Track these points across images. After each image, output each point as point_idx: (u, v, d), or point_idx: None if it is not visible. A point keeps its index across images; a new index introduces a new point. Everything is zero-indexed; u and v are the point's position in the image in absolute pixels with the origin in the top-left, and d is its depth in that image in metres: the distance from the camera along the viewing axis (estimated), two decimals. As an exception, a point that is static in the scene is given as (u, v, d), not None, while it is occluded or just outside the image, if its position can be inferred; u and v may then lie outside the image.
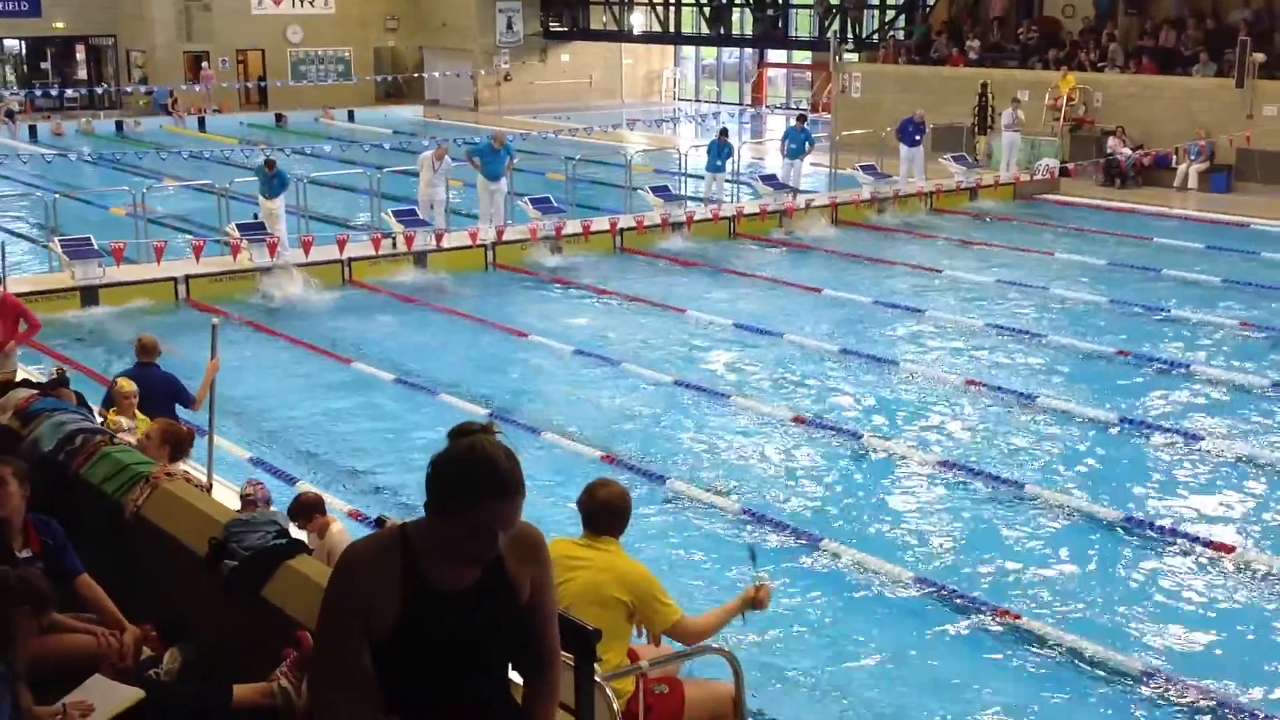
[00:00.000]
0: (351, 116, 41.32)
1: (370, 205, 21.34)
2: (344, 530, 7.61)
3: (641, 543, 9.30)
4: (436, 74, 44.02)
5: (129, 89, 41.71)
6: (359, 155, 28.79)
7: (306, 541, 5.64)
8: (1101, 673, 7.79)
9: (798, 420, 12.47)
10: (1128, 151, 25.74)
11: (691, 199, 23.54)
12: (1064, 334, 15.48)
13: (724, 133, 24.00)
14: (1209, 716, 7.32)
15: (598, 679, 4.66)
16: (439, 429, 12.66)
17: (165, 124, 38.62)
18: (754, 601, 5.58)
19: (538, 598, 3.28)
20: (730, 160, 23.76)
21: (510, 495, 3.06)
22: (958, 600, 8.67)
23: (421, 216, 19.90)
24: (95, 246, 17.44)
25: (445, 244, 19.42)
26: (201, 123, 39.21)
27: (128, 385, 9.20)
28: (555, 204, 21.06)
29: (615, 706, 4.99)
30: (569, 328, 16.15)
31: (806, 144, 24.74)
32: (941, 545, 9.74)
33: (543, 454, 11.56)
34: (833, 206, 23.31)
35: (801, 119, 25.94)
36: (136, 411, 9.10)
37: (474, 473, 3.03)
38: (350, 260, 18.70)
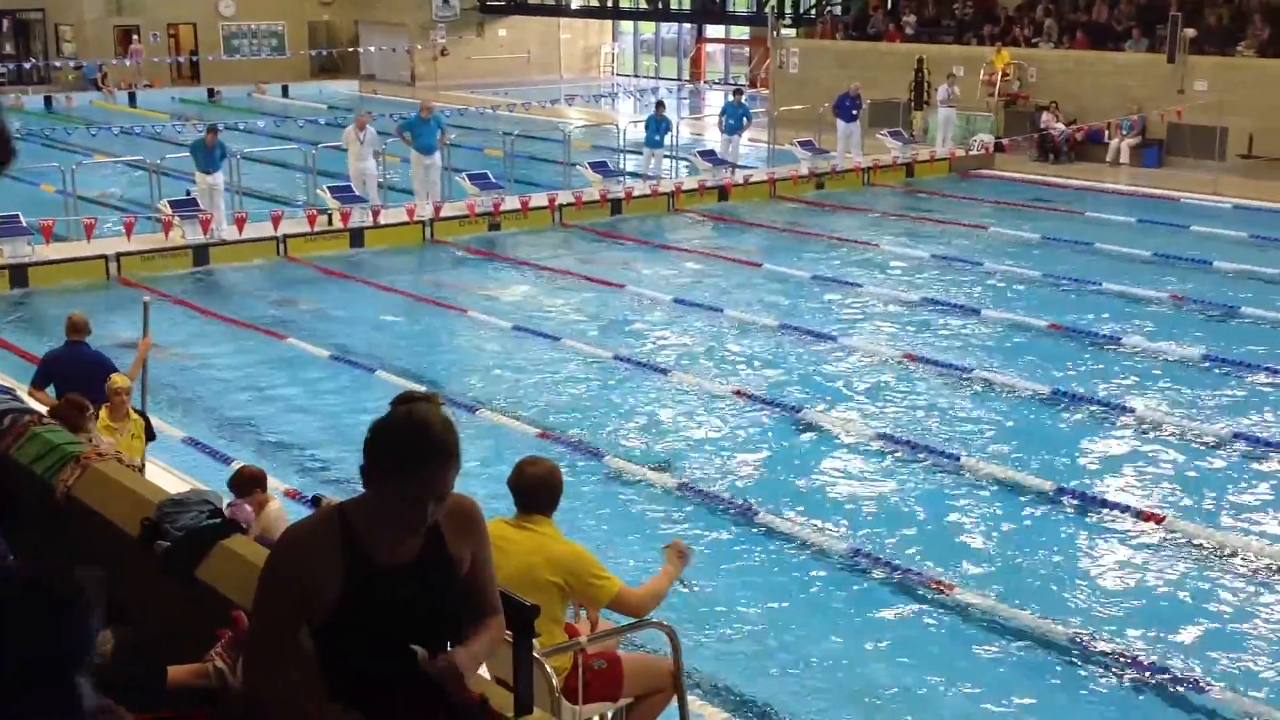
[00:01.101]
0: (286, 92, 40.81)
1: (306, 182, 21.11)
2: (281, 509, 7.55)
3: (579, 519, 9.32)
4: (372, 48, 43.56)
5: (58, 64, 40.92)
6: (294, 131, 28.46)
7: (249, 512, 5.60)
8: (1031, 640, 7.92)
9: (737, 394, 12.54)
10: (1061, 126, 26.02)
11: (630, 175, 23.52)
12: (998, 308, 15.66)
13: (660, 106, 23.97)
14: (1137, 680, 7.46)
15: (536, 655, 4.67)
16: (376, 406, 12.57)
17: (95, 99, 37.95)
18: (681, 557, 5.62)
19: (476, 569, 3.29)
20: (668, 135, 23.73)
21: (443, 461, 3.04)
22: (893, 571, 8.77)
23: (357, 192, 19.71)
24: (24, 224, 17.13)
25: (382, 220, 19.27)
26: (132, 98, 38.56)
27: (122, 381, 8.77)
28: (493, 180, 20.95)
29: (554, 682, 5.01)
30: (508, 304, 16.11)
31: (744, 119, 24.77)
32: (877, 517, 9.84)
33: (480, 431, 11.53)
34: (771, 182, 23.39)
35: (738, 93, 25.96)
36: (131, 411, 8.75)
37: (408, 439, 3.03)
38: (286, 237, 18.51)
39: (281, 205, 20.44)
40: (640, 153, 24.35)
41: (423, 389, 3.26)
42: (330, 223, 19.02)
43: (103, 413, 8.51)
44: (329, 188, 19.60)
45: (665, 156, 24.28)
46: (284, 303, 16.27)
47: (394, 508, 3.06)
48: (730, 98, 25.59)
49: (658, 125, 23.28)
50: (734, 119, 24.59)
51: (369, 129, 20.32)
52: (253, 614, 3.39)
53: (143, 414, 9.03)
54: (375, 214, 19.24)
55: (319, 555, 3.10)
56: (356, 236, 19.01)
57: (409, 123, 20.67)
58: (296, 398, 12.58)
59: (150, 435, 8.98)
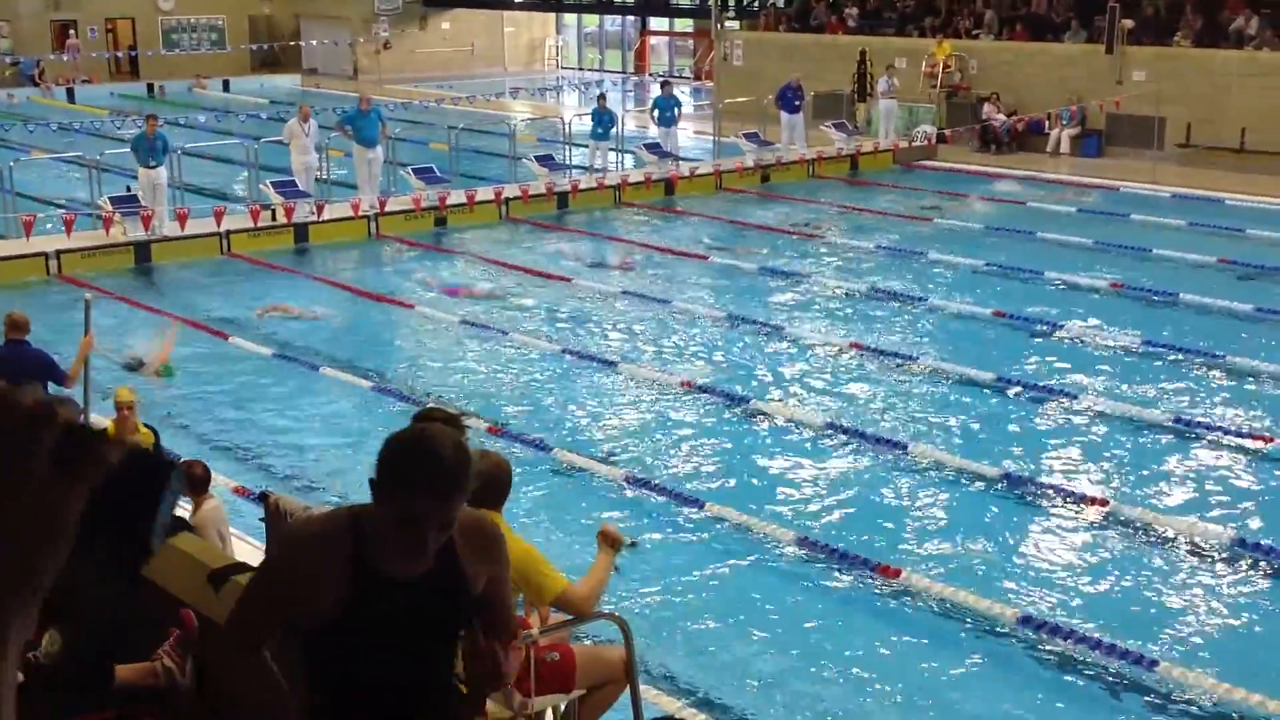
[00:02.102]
0: (226, 86, 40.38)
1: (248, 177, 20.92)
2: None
3: (527, 513, 9.33)
4: (314, 42, 43.20)
5: (-7, 59, 40.28)
6: (235, 126, 28.19)
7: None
8: (979, 623, 8.01)
9: (685, 385, 12.57)
10: (1002, 117, 26.27)
11: (576, 168, 23.49)
12: (943, 297, 15.80)
13: (602, 98, 23.96)
14: (1083, 659, 7.58)
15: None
16: (321, 404, 12.55)
17: (33, 95, 37.37)
18: (613, 543, 5.64)
19: (492, 591, 3.19)
20: (613, 127, 23.71)
21: (443, 497, 2.90)
22: (841, 559, 8.84)
23: (302, 187, 19.54)
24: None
25: (326, 215, 19.14)
26: (70, 94, 38.01)
27: (127, 395, 8.51)
28: (439, 174, 20.86)
29: (506, 675, 5.01)
30: (456, 299, 16.04)
31: (676, 110, 24.73)
32: (825, 506, 9.91)
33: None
34: (717, 174, 23.44)
35: (666, 85, 25.97)
36: (140, 425, 8.55)
37: (412, 464, 2.91)
38: (229, 233, 18.34)
39: (224, 201, 20.24)
40: (586, 146, 24.32)
41: (451, 409, 3.14)
42: (274, 218, 18.86)
43: (109, 426, 8.32)
44: (272, 183, 19.43)
45: (611, 150, 24.24)
46: (224, 300, 16.12)
47: (393, 529, 2.95)
48: (660, 90, 25.62)
49: (600, 118, 23.28)
50: (667, 111, 24.58)
51: (312, 121, 20.17)
52: (241, 594, 3.34)
53: (151, 428, 8.73)
54: (319, 209, 19.09)
55: (325, 557, 3.02)
56: (300, 232, 18.87)
57: (349, 116, 20.52)
58: (239, 396, 12.47)
59: (158, 447, 8.65)
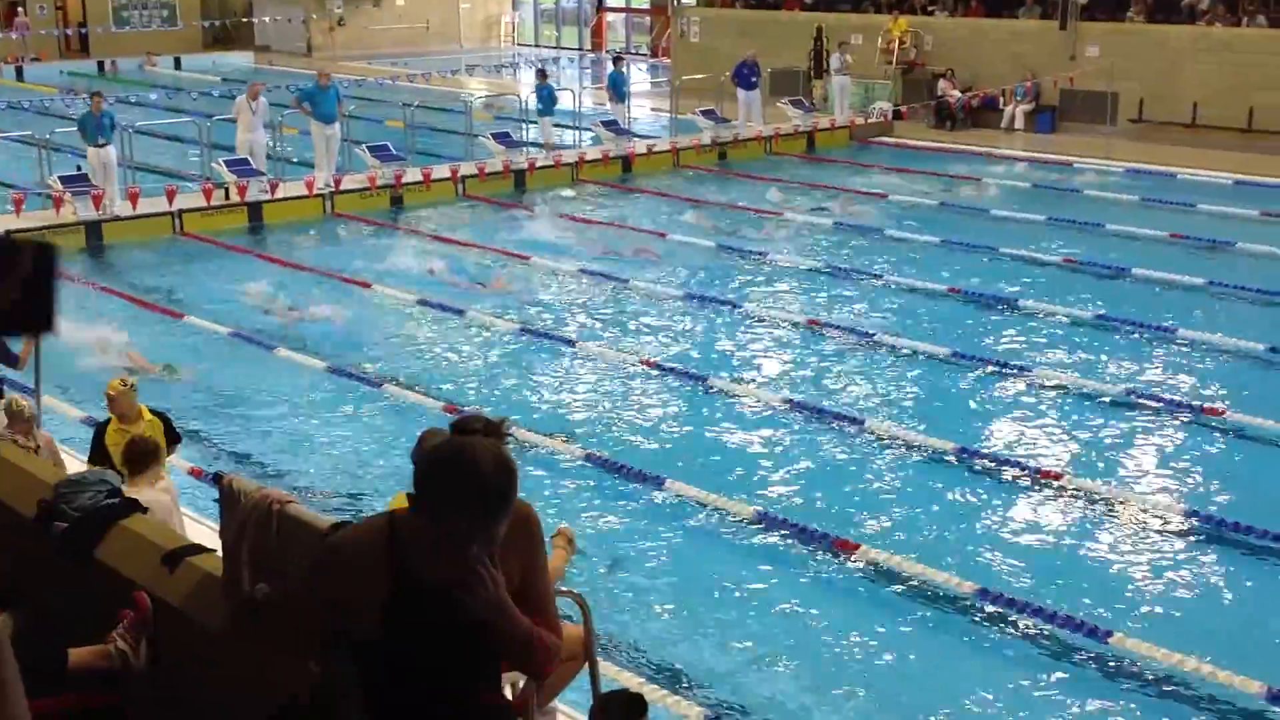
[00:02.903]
0: (178, 64, 39.89)
1: (200, 155, 20.68)
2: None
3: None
4: (267, 19, 42.73)
5: (-62, 37, 39.62)
6: (187, 104, 27.87)
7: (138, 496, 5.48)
8: (936, 596, 8.08)
9: (644, 364, 12.58)
10: (957, 94, 26.37)
11: (533, 145, 23.38)
12: (900, 273, 15.87)
13: (542, 74, 23.89)
14: (1040, 631, 7.66)
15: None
16: (275, 384, 12.44)
17: (-21, 73, 36.82)
18: (569, 544, 5.65)
19: (528, 579, 3.06)
20: (555, 103, 23.55)
21: (485, 517, 2.79)
22: (800, 533, 8.88)
23: (255, 166, 19.35)
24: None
25: (281, 194, 18.96)
26: (19, 72, 37.42)
27: (119, 384, 8.16)
28: (394, 151, 20.70)
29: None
30: (413, 277, 15.94)
31: (625, 86, 24.65)
32: (784, 481, 9.95)
33: (385, 407, 11.46)
34: (674, 151, 23.41)
35: (618, 61, 25.87)
36: (145, 411, 8.15)
37: (452, 483, 2.78)
38: (181, 212, 18.14)
39: (176, 180, 20.01)
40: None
41: (492, 416, 2.97)
42: (227, 196, 18.67)
43: (113, 421, 8.14)
44: (225, 161, 19.22)
45: (566, 126, 24.16)
46: (178, 280, 15.96)
47: (430, 545, 2.85)
48: (612, 66, 25.52)
49: (540, 91, 23.20)
50: (621, 86, 24.49)
51: (261, 99, 19.98)
52: (287, 598, 3.31)
53: (161, 415, 8.43)
54: (273, 187, 18.92)
55: (360, 575, 2.93)
56: (254, 210, 18.69)
57: (307, 92, 20.32)
58: (195, 375, 12.35)
59: (174, 436, 8.33)
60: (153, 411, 8.38)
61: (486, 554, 2.82)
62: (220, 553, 4.40)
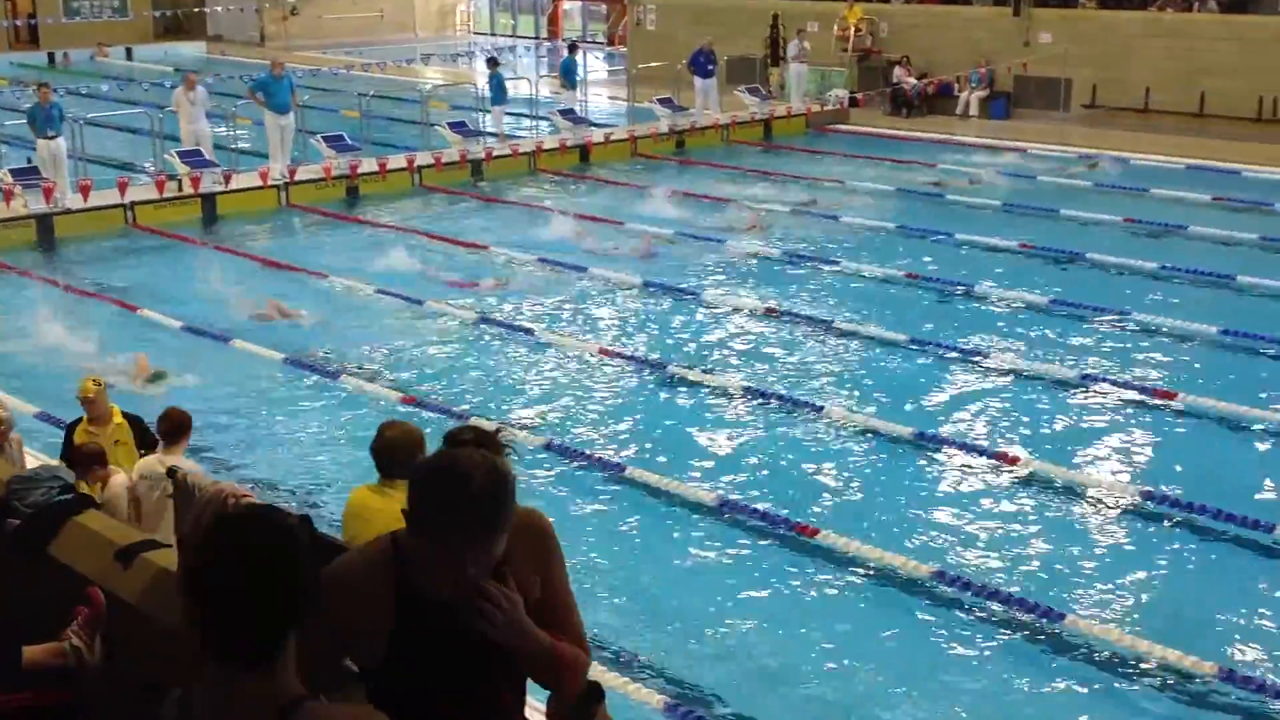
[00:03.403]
0: (130, 55, 39.42)
1: (153, 146, 20.47)
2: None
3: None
4: (219, 8, 42.28)
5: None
6: (139, 95, 27.55)
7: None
8: (895, 579, 8.14)
9: (603, 352, 12.57)
10: (913, 81, 26.49)
11: (490, 135, 23.30)
12: (857, 260, 15.93)
13: (492, 63, 23.82)
14: (997, 613, 7.73)
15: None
16: (231, 376, 12.31)
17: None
18: None
19: (548, 593, 2.94)
20: (505, 92, 23.45)
21: (476, 533, 2.66)
22: (761, 520, 8.91)
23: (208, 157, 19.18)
24: None
25: (235, 185, 18.80)
26: (-34, 63, 36.89)
27: (91, 385, 8.01)
28: (349, 142, 20.57)
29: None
30: (369, 268, 15.86)
31: (576, 73, 24.57)
32: (745, 468, 9.99)
33: (342, 399, 11.40)
34: (632, 140, 23.39)
35: (573, 49, 25.79)
36: (117, 413, 8.06)
37: (440, 498, 2.68)
38: (133, 204, 17.95)
39: (128, 172, 19.81)
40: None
41: (488, 425, 2.89)
42: (180, 188, 18.50)
43: (84, 420, 8.04)
44: (178, 152, 19.03)
45: (523, 115, 24.08)
46: (131, 272, 15.80)
47: (425, 561, 2.74)
48: (566, 54, 25.47)
49: (491, 82, 23.11)
50: (573, 73, 24.41)
51: (199, 89, 19.86)
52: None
53: (135, 419, 8.27)
54: (227, 178, 18.75)
55: (368, 592, 2.83)
56: (208, 202, 18.51)
57: (260, 82, 20.16)
58: (150, 369, 12.23)
59: (146, 442, 8.10)
60: (126, 415, 8.30)
61: (488, 570, 2.71)
62: (175, 548, 4.38)
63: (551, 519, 3.02)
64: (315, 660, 2.91)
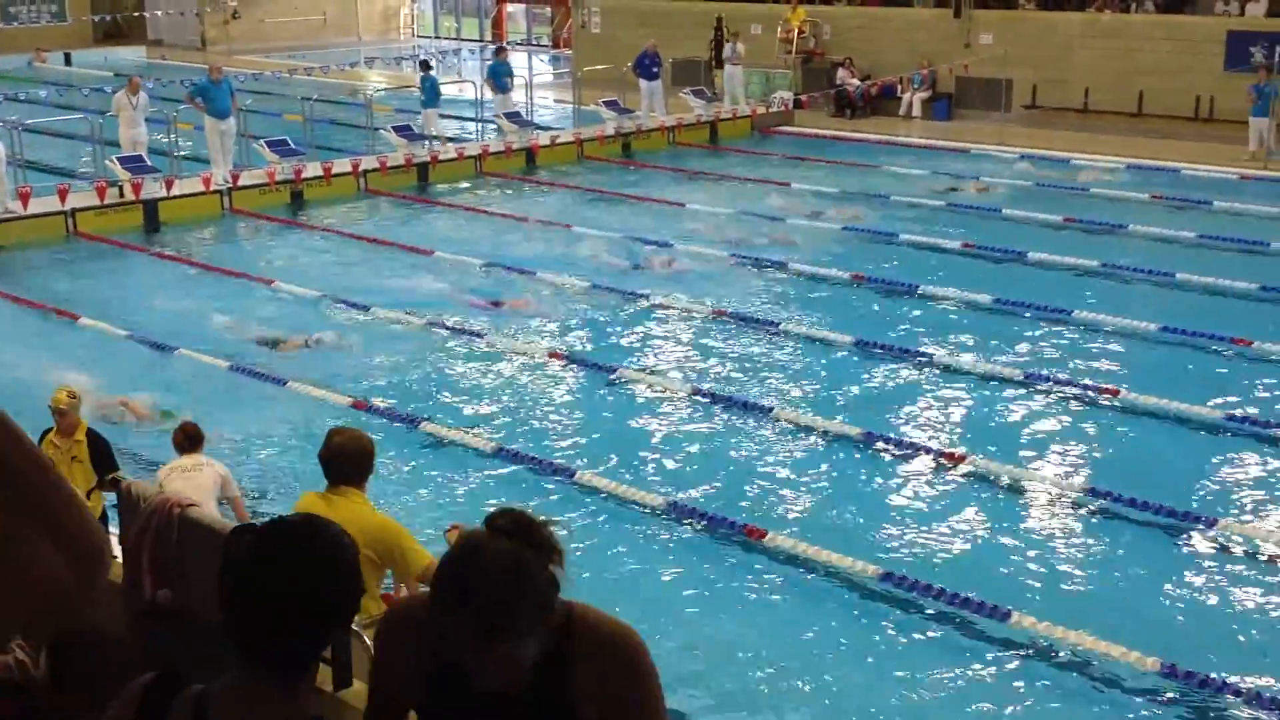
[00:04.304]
0: (68, 59, 38.88)
1: (93, 153, 20.23)
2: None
3: (396, 488, 9.26)
4: (159, 12, 41.85)
5: None
6: (78, 100, 27.23)
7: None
8: (842, 580, 8.20)
9: (552, 356, 12.57)
10: (856, 82, 26.68)
11: (428, 138, 23.19)
12: (803, 262, 16.02)
13: (425, 65, 23.75)
14: (943, 612, 7.80)
15: (354, 627, 4.63)
16: (176, 387, 12.11)
17: None
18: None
19: (616, 716, 2.64)
20: (439, 95, 23.35)
21: (485, 633, 2.40)
22: (709, 522, 8.95)
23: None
24: None
25: (177, 190, 18.60)
26: (-102, 68, 36.27)
27: (64, 397, 7.88)
28: (294, 146, 20.42)
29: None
30: (315, 274, 15.76)
31: (506, 76, 24.47)
32: (693, 470, 10.02)
33: (291, 405, 11.32)
34: (578, 143, 23.39)
35: (501, 52, 25.68)
36: (83, 428, 7.94)
37: (451, 589, 2.43)
38: (74, 211, 17.73)
39: (69, 178, 19.57)
40: (445, 117, 24.07)
41: (527, 514, 2.52)
42: (121, 195, 18.29)
43: (53, 431, 7.93)
44: (118, 158, 18.81)
45: (467, 119, 23.96)
46: (72, 280, 15.61)
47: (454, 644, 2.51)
48: (495, 57, 25.43)
49: (423, 84, 23.04)
50: (503, 76, 24.31)
51: (142, 94, 19.63)
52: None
53: (99, 440, 8.05)
54: (169, 184, 18.57)
55: (407, 642, 2.69)
56: (150, 209, 18.31)
57: (199, 87, 19.99)
58: (93, 379, 12.08)
59: (104, 464, 7.95)
60: (91, 433, 8.17)
61: (514, 672, 2.47)
62: (120, 559, 4.33)
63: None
64: (372, 692, 2.90)
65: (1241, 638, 7.64)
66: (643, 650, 2.70)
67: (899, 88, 26.59)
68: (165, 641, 4.13)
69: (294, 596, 2.32)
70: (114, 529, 6.47)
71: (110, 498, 7.34)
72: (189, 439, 8.05)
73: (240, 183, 19.29)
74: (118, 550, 4.32)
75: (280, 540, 2.40)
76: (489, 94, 24.48)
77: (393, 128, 22.16)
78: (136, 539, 4.30)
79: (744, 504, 9.36)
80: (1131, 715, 6.89)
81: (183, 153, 20.83)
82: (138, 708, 2.50)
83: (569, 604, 2.62)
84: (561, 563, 2.51)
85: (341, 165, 20.46)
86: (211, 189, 18.94)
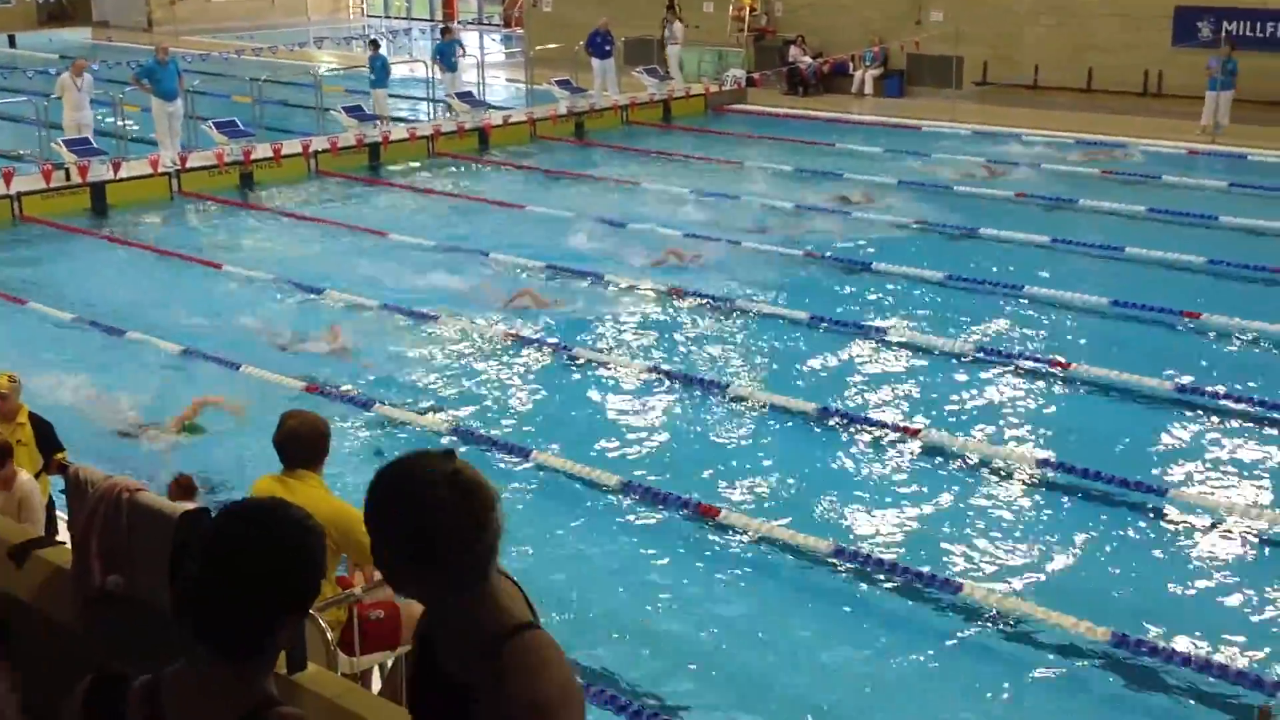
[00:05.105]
0: (12, 42, 38.27)
1: (38, 136, 19.93)
2: (31, 480, 7.17)
3: (351, 471, 9.19)
4: (104, -8, 41.28)
5: None
6: (23, 83, 26.83)
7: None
8: (796, 556, 8.24)
9: (507, 336, 12.53)
10: (809, 60, 26.70)
11: (376, 118, 22.97)
12: (755, 239, 16.03)
13: (374, 45, 23.58)
14: (898, 585, 7.86)
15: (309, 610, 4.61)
16: (127, 370, 11.99)
17: None
18: None
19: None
20: (388, 74, 23.15)
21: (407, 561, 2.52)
22: (663, 501, 8.96)
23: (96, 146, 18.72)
24: None
25: (124, 173, 18.37)
26: None
27: (4, 381, 7.70)
28: (243, 127, 20.20)
29: (329, 636, 4.96)
30: (266, 256, 15.62)
31: (453, 56, 24.29)
32: (649, 448, 10.03)
33: (245, 388, 11.22)
34: (531, 122, 23.28)
35: (446, 32, 25.45)
36: (25, 414, 7.73)
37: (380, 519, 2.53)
38: (20, 195, 17.46)
39: (13, 162, 19.27)
40: (396, 96, 23.88)
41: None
42: (68, 178, 18.03)
43: None
44: (64, 141, 18.54)
45: (419, 99, 23.79)
46: (19, 265, 15.38)
47: None
48: (442, 36, 25.23)
49: (372, 64, 22.85)
50: (450, 56, 24.15)
51: (86, 75, 19.36)
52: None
53: (42, 422, 7.89)
54: (116, 167, 18.33)
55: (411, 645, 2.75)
56: (97, 191, 18.06)
57: (147, 68, 19.74)
58: (39, 362, 11.93)
59: (48, 446, 7.77)
60: (33, 416, 8.06)
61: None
62: (70, 545, 4.29)
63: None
64: None
65: (1191, 606, 7.74)
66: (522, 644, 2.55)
67: (851, 65, 26.63)
68: (115, 627, 4.10)
69: (259, 581, 2.30)
70: (62, 514, 6.42)
71: (58, 482, 7.24)
72: (184, 491, 7.41)
73: (189, 164, 19.06)
74: (66, 536, 4.28)
75: (247, 524, 2.37)
76: (439, 74, 24.31)
77: (343, 108, 21.98)
78: (85, 525, 4.25)
79: (698, 481, 9.36)
80: (1083, 684, 6.97)
81: (130, 135, 20.57)
82: (83, 714, 2.47)
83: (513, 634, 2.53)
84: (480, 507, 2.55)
85: (292, 146, 20.26)
86: (159, 171, 18.72)
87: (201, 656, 2.35)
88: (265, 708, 2.36)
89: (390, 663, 5.51)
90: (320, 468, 5.50)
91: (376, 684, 5.54)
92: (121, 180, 18.25)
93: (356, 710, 3.70)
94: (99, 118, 20.12)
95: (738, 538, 8.52)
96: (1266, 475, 9.43)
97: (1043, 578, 8.01)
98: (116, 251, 16.00)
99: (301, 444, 5.35)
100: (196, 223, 17.91)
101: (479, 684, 2.46)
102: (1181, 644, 7.18)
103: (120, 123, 20.18)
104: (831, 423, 10.40)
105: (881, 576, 7.95)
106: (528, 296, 13.70)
